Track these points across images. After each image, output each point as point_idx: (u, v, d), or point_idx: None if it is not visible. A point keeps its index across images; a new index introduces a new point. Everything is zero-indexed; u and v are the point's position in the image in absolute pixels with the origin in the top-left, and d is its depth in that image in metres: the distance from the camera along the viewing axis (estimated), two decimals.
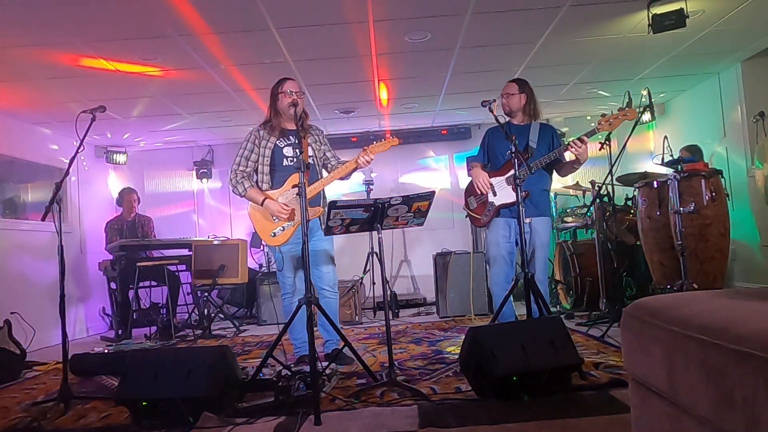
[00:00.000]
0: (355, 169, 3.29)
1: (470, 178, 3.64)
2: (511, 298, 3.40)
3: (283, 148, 3.32)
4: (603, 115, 3.24)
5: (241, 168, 3.33)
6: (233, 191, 3.36)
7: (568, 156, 3.37)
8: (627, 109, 3.25)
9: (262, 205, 3.25)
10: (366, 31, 3.95)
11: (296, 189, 3.18)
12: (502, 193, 3.45)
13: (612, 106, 6.44)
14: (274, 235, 3.27)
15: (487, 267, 3.61)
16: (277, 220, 3.26)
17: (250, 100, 5.33)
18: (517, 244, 3.49)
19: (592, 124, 3.35)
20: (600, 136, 3.54)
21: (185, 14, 3.47)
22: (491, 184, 3.49)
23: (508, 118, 3.63)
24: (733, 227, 4.18)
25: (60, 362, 2.91)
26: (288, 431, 2.18)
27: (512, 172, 3.34)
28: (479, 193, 3.54)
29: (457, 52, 4.46)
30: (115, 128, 5.97)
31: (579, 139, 3.20)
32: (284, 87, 3.30)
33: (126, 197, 5.98)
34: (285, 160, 3.32)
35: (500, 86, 3.72)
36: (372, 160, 3.21)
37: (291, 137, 3.34)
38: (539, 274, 3.41)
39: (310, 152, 3.32)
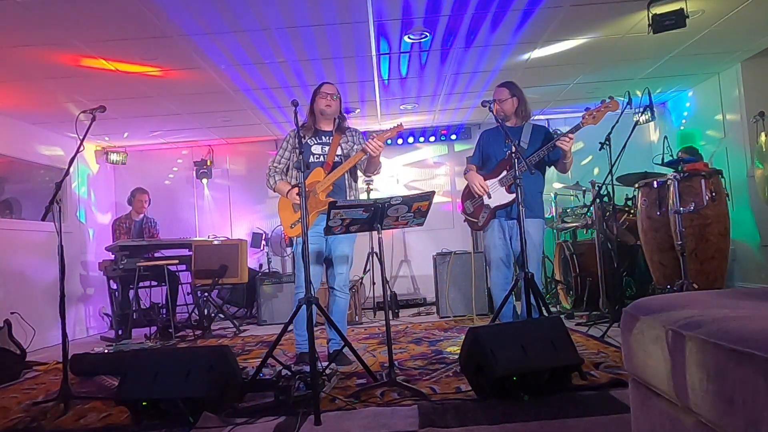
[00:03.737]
0: (369, 159, 3.33)
1: (466, 182, 3.67)
2: (512, 297, 3.41)
3: (312, 146, 3.45)
4: (587, 109, 3.25)
5: (274, 164, 3.54)
6: (267, 185, 3.58)
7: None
8: (609, 101, 3.24)
9: (287, 195, 3.41)
10: (366, 31, 3.95)
11: (317, 183, 3.30)
12: (496, 194, 3.48)
13: None
14: (293, 226, 3.42)
15: (487, 270, 3.64)
16: (296, 210, 3.39)
17: (250, 100, 5.33)
18: (511, 246, 3.53)
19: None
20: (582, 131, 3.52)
21: (185, 14, 3.48)
22: (487, 188, 3.51)
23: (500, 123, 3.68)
24: (733, 227, 4.17)
25: (60, 362, 2.91)
26: (288, 431, 2.18)
27: (504, 173, 3.42)
28: (476, 196, 3.56)
29: (457, 52, 4.46)
30: (114, 128, 5.97)
31: (566, 136, 3.25)
32: (321, 90, 3.46)
33: (137, 197, 6.00)
34: (312, 157, 3.43)
35: None
36: (381, 146, 3.23)
37: (323, 137, 3.48)
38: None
39: (339, 151, 3.45)
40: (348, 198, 3.46)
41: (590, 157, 6.66)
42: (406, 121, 6.68)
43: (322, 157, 3.41)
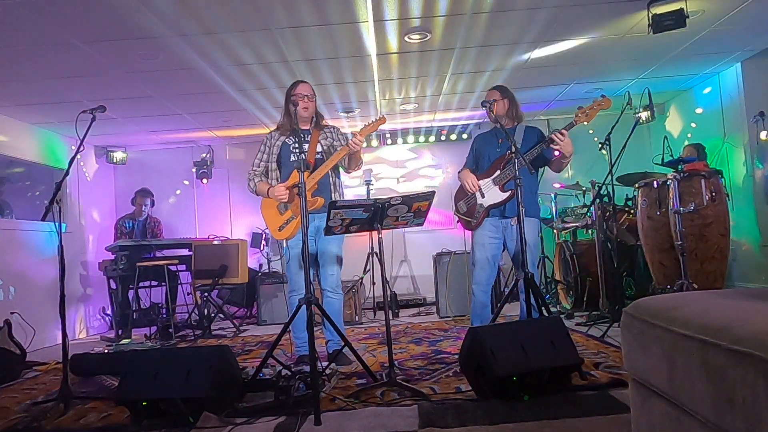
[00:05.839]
0: (351, 155, 3.33)
1: (459, 182, 3.70)
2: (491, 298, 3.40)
3: (291, 144, 3.41)
4: (579, 107, 3.25)
5: (254, 168, 3.50)
6: (248, 189, 3.53)
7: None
8: (601, 99, 3.25)
9: (268, 194, 3.34)
10: (366, 31, 3.95)
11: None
12: (490, 194, 3.51)
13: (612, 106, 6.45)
14: (281, 229, 3.34)
15: (472, 268, 3.62)
16: (283, 212, 3.33)
17: (250, 100, 5.33)
18: (505, 246, 3.54)
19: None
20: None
21: (185, 14, 3.47)
22: (479, 186, 3.54)
23: (495, 124, 3.68)
24: (733, 227, 4.17)
25: (60, 362, 2.91)
26: (288, 431, 2.18)
27: (498, 173, 3.45)
28: (469, 193, 3.59)
29: (457, 52, 4.46)
30: (114, 128, 5.97)
31: (559, 132, 3.24)
32: (297, 90, 3.39)
33: (138, 200, 6.04)
34: (292, 155, 3.39)
35: None
36: (361, 142, 3.23)
37: (302, 135, 3.40)
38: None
39: (319, 148, 3.39)
40: (333, 196, 3.41)
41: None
42: (406, 121, 6.68)
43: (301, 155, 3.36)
